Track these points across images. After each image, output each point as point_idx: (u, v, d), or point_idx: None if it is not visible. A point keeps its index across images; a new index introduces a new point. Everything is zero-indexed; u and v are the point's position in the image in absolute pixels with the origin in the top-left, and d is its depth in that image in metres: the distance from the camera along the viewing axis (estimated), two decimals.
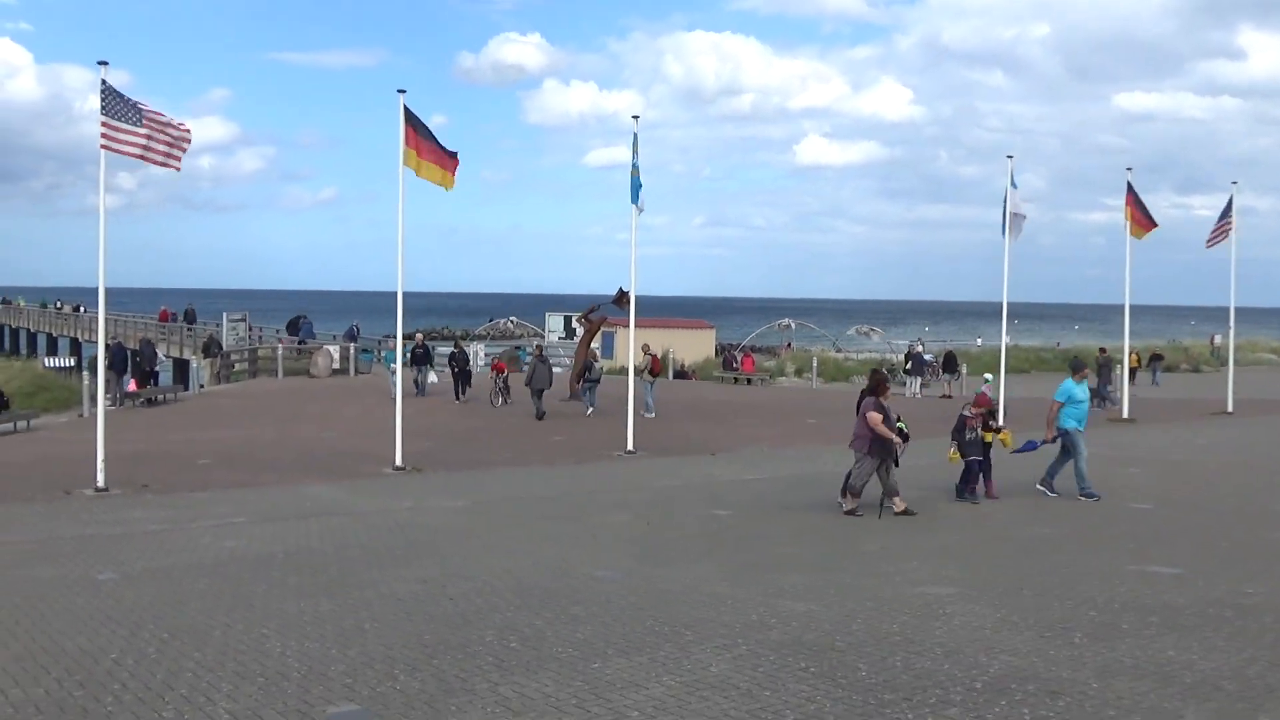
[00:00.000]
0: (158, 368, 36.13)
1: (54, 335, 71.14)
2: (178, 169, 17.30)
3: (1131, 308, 31.50)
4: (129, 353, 35.65)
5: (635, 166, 22.85)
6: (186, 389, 34.98)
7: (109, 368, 38.13)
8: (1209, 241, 31.57)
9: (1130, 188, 29.67)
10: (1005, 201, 27.77)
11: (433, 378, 31.51)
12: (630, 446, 22.26)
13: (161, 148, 17.04)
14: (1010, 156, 28.29)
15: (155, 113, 17.05)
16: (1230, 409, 32.23)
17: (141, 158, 16.99)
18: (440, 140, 20.07)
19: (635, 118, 23.03)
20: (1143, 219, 29.83)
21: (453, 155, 20.16)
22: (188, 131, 17.37)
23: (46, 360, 49.55)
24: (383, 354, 32.79)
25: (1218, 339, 63.01)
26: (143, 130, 16.83)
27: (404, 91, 19.78)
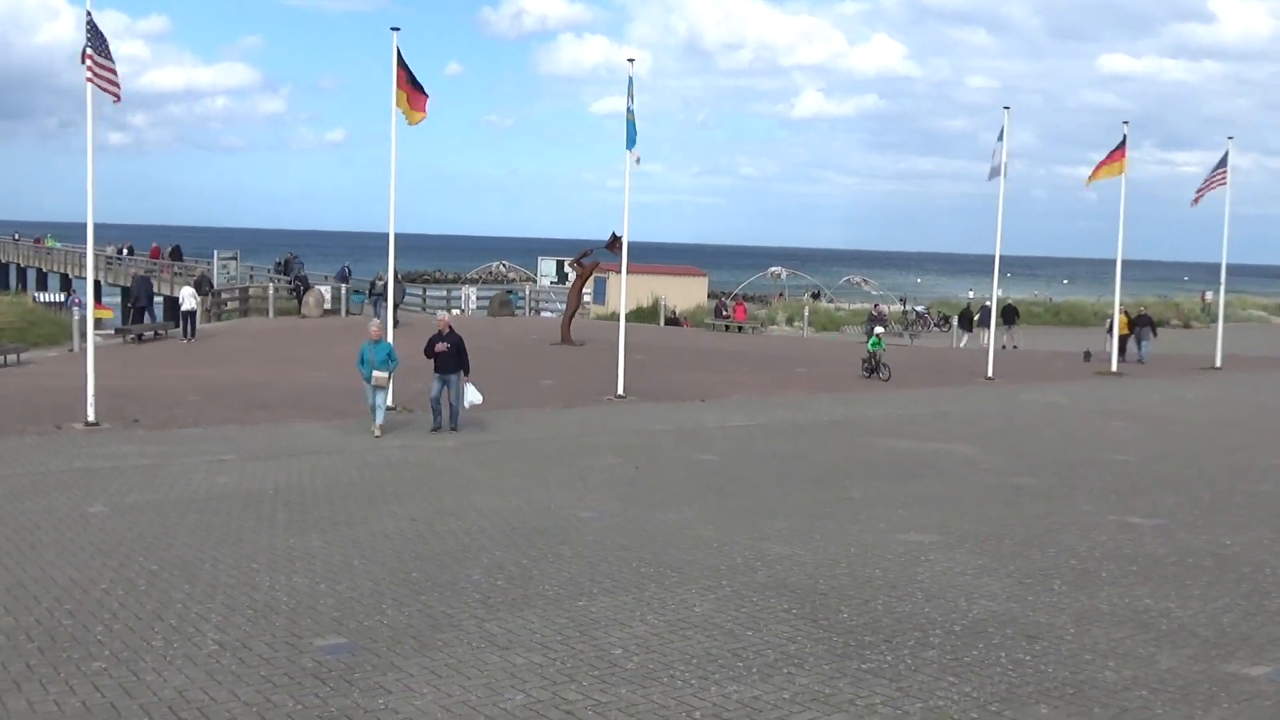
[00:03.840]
0: (190, 306, 34.59)
1: (44, 270, 70.79)
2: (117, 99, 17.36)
3: (1123, 262, 31.51)
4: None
5: (630, 111, 22.69)
6: (178, 326, 34.85)
7: (133, 302, 37.85)
8: (1195, 199, 31.47)
9: (1124, 141, 29.63)
10: (997, 152, 27.91)
11: (475, 396, 17.23)
12: (620, 391, 22.33)
13: (113, 75, 17.23)
14: (1007, 108, 28.30)
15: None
16: (1219, 364, 32.39)
17: (110, 90, 17.11)
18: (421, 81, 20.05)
19: (631, 60, 22.82)
20: (1117, 157, 29.79)
21: (423, 93, 20.08)
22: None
23: (37, 295, 49.38)
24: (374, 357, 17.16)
25: (1208, 295, 63.14)
26: (111, 64, 17.00)
27: (397, 30, 19.63)
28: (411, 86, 19.91)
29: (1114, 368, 30.58)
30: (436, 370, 17.60)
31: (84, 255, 18.88)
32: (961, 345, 41.40)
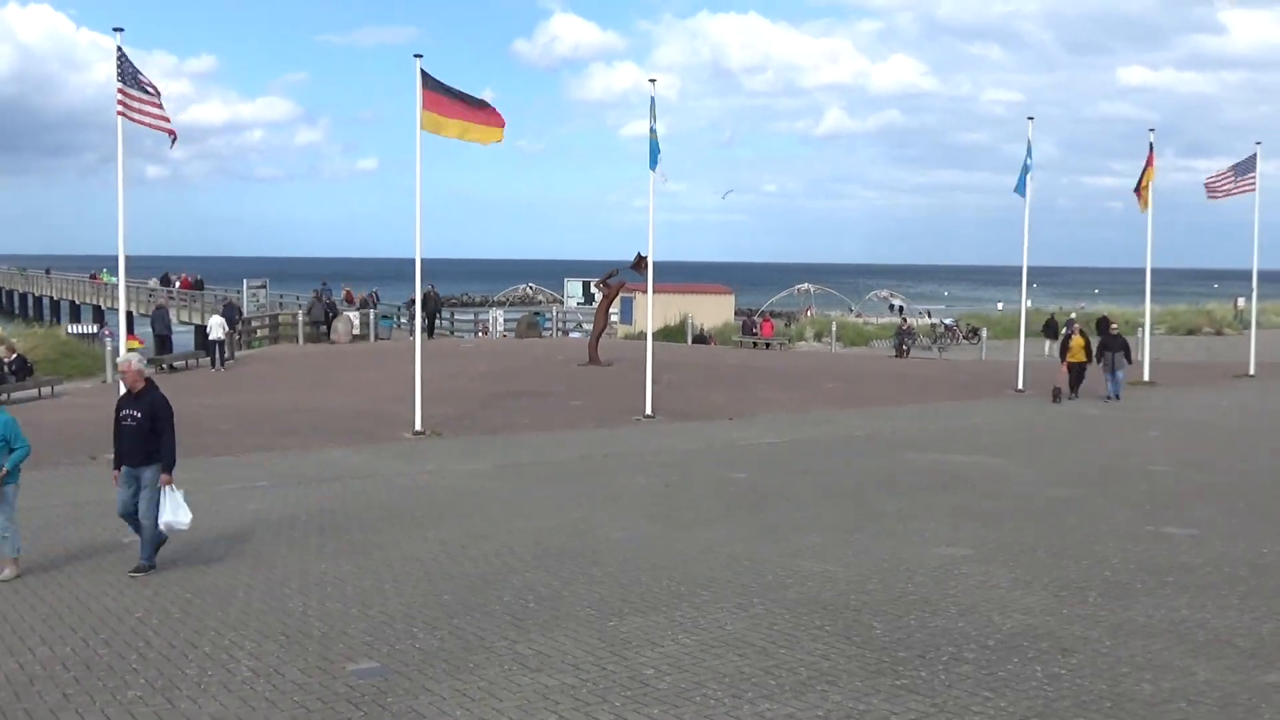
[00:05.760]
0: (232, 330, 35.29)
1: (77, 303, 71.61)
2: (172, 135, 17.44)
3: (1151, 271, 31.27)
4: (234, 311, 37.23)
5: (653, 131, 22.75)
6: (208, 355, 35.14)
7: (154, 331, 38.59)
8: (1212, 193, 31.08)
9: (1151, 148, 29.53)
10: (1026, 162, 27.81)
11: (179, 515, 10.05)
12: (649, 411, 22.33)
13: (159, 112, 17.27)
14: (1031, 118, 28.18)
15: (147, 80, 17.27)
16: (1253, 371, 32.06)
17: (150, 125, 17.21)
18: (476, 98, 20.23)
19: (652, 81, 22.90)
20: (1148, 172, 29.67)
21: (491, 110, 20.18)
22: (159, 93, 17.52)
23: (70, 327, 49.89)
24: None
25: (1241, 302, 62.57)
26: (148, 96, 17.10)
27: (420, 56, 19.77)
28: (466, 105, 20.00)
29: (1146, 376, 29.69)
30: (119, 458, 10.30)
31: (133, 288, 19.10)
32: (1046, 353, 41.11)
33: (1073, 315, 46.95)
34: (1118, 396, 24.99)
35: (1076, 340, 25.69)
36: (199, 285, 55.72)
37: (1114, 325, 27.79)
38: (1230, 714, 6.55)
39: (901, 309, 69.98)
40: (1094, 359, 25.58)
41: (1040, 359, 37.29)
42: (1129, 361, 25.86)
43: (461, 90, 20.08)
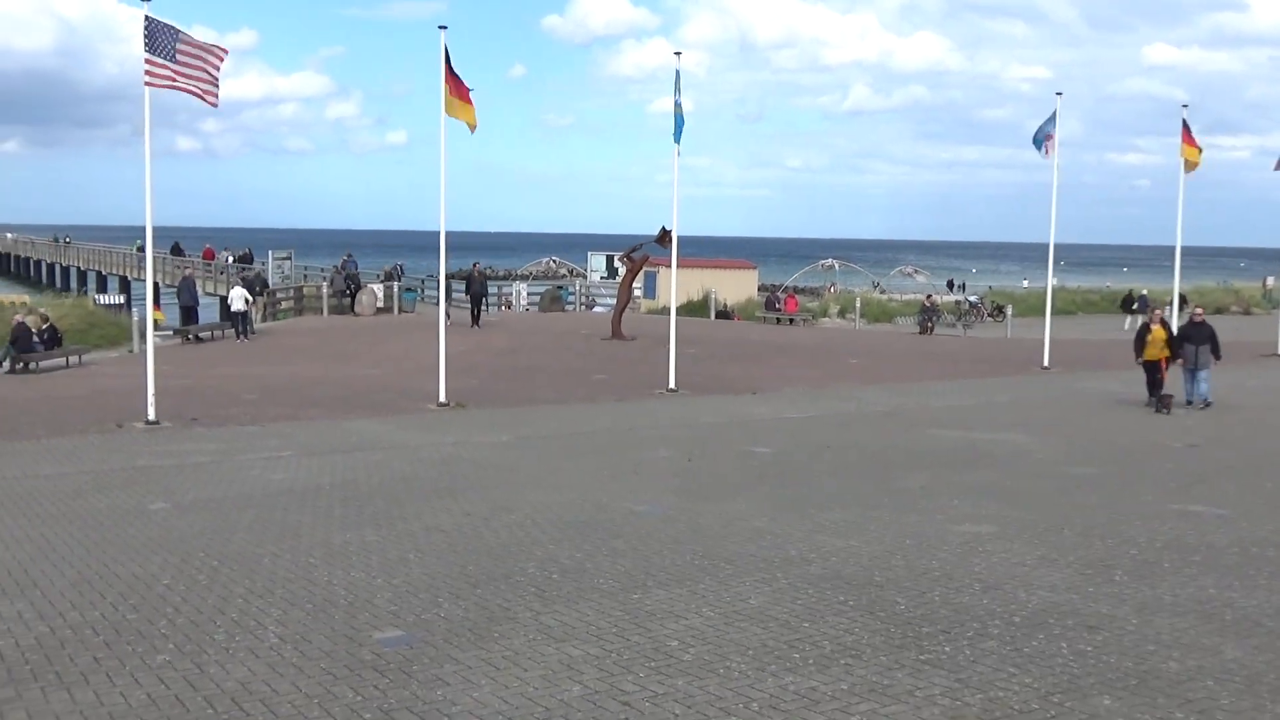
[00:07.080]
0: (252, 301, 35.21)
1: (104, 273, 72.01)
2: (214, 104, 17.26)
3: (1182, 249, 31.02)
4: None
5: (678, 105, 22.63)
6: (232, 327, 35.29)
7: (180, 303, 38.60)
8: None
9: (1185, 124, 29.23)
10: (1052, 131, 27.46)
11: None
12: (672, 385, 22.32)
13: (201, 80, 17.07)
14: (1059, 94, 27.84)
15: (192, 42, 17.06)
16: None
17: (183, 90, 17.02)
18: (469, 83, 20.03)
19: (678, 54, 22.74)
20: (1192, 144, 29.46)
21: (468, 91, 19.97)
22: (223, 55, 17.28)
23: (97, 297, 50.22)
24: None
25: (1270, 281, 62.04)
26: (178, 64, 16.86)
27: (445, 28, 19.68)
28: (461, 85, 19.86)
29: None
30: None
31: (163, 259, 19.00)
32: (1125, 328, 41.20)
33: (1144, 292, 46.37)
34: (1206, 401, 20.22)
35: (1159, 332, 20.58)
36: (248, 259, 55.64)
37: (1199, 309, 22.28)
38: (1256, 693, 6.51)
39: (951, 283, 69.90)
40: (1173, 352, 20.51)
41: (1122, 334, 37.12)
42: (1217, 357, 20.58)
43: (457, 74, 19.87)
